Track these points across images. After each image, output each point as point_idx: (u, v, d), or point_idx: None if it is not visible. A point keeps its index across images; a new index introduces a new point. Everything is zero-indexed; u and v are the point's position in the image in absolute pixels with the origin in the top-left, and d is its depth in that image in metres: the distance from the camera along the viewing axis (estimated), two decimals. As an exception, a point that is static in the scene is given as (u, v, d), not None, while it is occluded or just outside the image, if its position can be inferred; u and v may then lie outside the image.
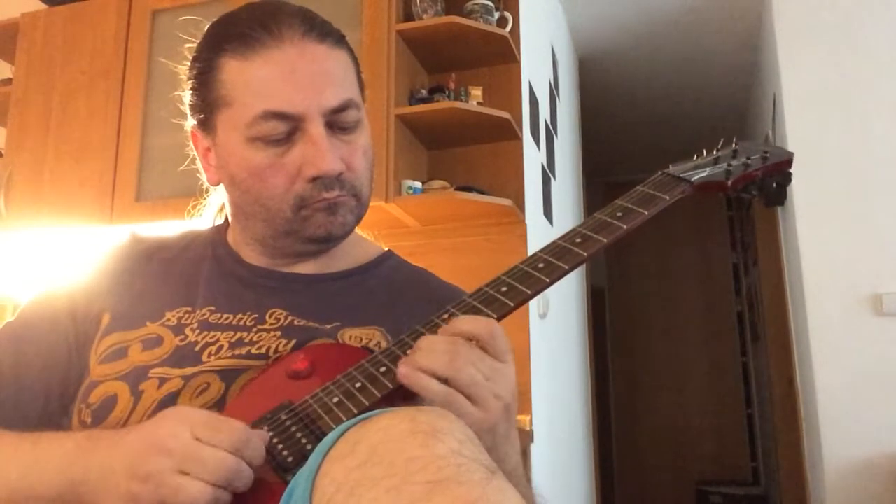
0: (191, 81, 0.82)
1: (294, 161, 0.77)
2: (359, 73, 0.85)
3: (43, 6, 2.59)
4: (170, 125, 2.25)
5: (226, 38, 0.78)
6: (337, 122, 0.79)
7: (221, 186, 0.86)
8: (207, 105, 0.80)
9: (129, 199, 2.25)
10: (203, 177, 0.87)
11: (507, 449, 0.66)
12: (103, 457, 0.62)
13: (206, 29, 0.84)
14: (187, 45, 0.85)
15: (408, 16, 2.21)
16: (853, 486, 2.72)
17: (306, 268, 0.86)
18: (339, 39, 0.81)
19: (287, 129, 0.76)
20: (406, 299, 0.87)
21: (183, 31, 0.96)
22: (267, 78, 0.76)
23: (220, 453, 0.57)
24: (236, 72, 0.77)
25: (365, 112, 0.84)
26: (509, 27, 2.32)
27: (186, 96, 0.84)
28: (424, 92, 2.22)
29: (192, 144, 0.86)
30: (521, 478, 0.70)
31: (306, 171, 0.77)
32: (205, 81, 0.80)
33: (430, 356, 0.62)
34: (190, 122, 0.85)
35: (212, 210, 0.99)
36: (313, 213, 0.79)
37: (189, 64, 0.83)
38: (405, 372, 0.62)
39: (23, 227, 2.35)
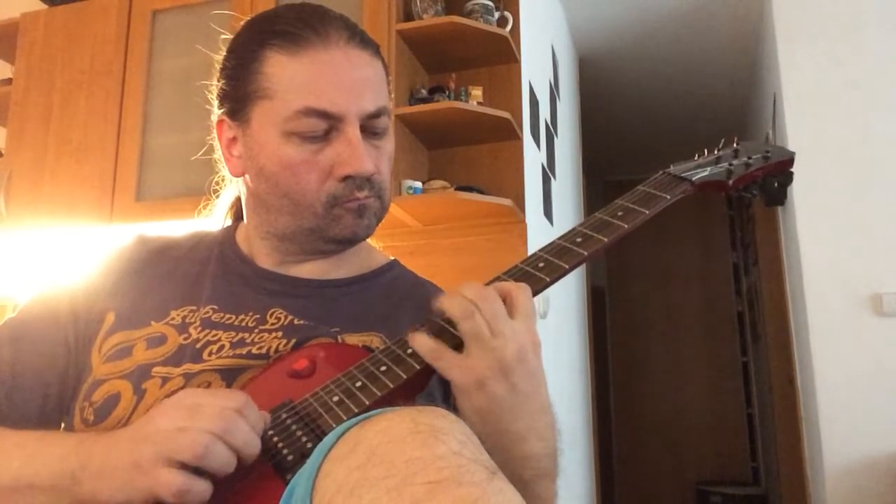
0: (226, 71, 0.83)
1: (328, 159, 0.78)
2: (389, 84, 0.87)
3: (43, 6, 2.59)
4: (170, 125, 2.27)
5: (271, 34, 0.80)
6: (370, 127, 0.80)
7: (234, 183, 0.87)
8: (243, 95, 0.81)
9: (129, 199, 2.25)
10: (223, 167, 0.88)
11: (524, 410, 0.67)
12: (105, 445, 0.63)
13: (244, 23, 0.85)
14: (223, 37, 0.86)
15: (408, 16, 2.20)
16: (853, 485, 2.72)
17: (311, 271, 0.86)
18: (377, 50, 0.84)
19: (325, 127, 0.78)
20: (406, 310, 0.87)
21: (184, 30, 0.97)
22: (312, 76, 0.77)
23: (218, 405, 0.60)
24: (281, 66, 0.78)
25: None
26: (509, 27, 2.32)
27: (218, 85, 0.85)
28: (424, 92, 2.22)
29: (214, 134, 0.86)
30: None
31: (339, 170, 0.78)
32: (244, 72, 0.80)
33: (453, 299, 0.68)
34: (217, 112, 0.85)
35: (222, 209, 0.99)
36: (344, 214, 0.80)
37: (226, 54, 0.84)
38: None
39: (23, 227, 2.35)
